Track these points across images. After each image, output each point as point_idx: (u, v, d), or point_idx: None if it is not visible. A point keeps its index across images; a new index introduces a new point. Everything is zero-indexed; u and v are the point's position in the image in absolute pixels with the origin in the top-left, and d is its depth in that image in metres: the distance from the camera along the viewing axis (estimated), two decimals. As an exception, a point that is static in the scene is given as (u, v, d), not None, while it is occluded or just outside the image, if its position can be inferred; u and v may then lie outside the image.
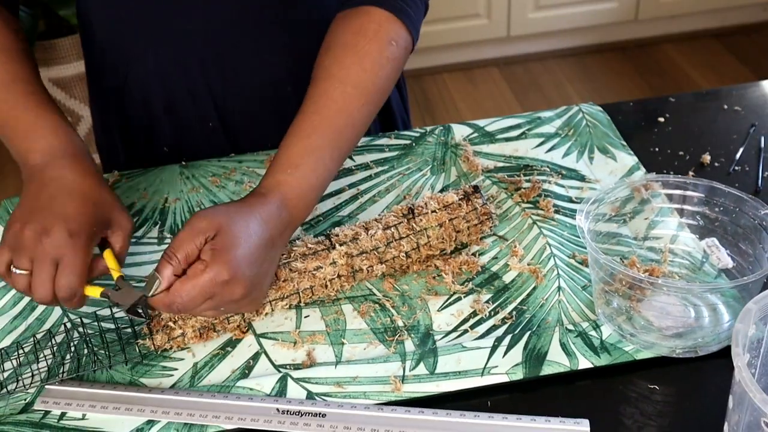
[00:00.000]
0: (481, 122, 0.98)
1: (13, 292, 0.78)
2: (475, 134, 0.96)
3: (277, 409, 0.65)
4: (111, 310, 0.73)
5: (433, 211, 0.78)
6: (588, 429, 0.62)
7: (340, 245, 0.75)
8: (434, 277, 0.77)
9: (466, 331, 0.71)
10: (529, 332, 0.70)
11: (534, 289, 0.75)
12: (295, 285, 0.74)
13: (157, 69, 0.93)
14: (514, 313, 0.73)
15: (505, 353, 0.68)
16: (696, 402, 0.66)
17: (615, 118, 0.97)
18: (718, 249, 0.75)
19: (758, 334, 0.59)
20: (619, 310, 0.70)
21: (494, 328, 0.72)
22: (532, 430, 0.62)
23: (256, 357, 0.71)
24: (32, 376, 0.69)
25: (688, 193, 0.76)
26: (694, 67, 2.73)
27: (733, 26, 2.89)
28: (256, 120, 0.98)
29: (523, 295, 0.75)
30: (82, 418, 0.66)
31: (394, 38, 0.77)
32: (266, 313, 0.74)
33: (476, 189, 0.81)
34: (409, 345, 0.70)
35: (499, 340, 0.70)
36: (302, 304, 0.75)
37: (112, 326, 0.72)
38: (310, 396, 0.66)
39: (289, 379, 0.68)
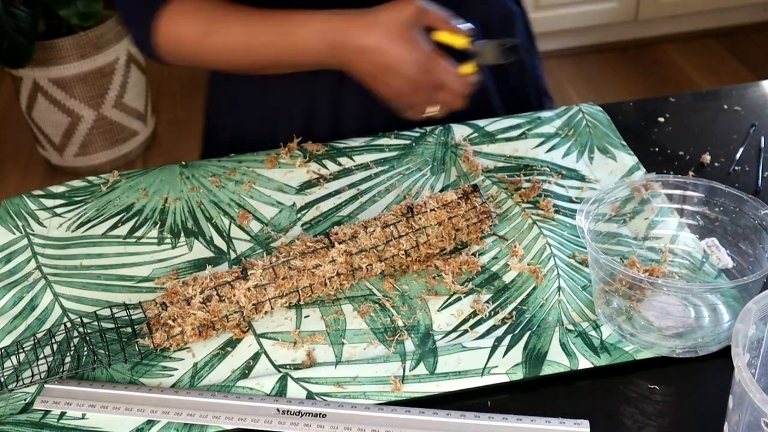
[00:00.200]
0: (481, 122, 0.98)
1: (13, 292, 0.78)
2: (475, 134, 0.96)
3: (278, 410, 0.65)
4: (111, 310, 0.73)
5: (432, 210, 0.78)
6: (588, 430, 0.62)
7: (339, 243, 0.75)
8: (434, 277, 0.77)
9: (466, 331, 0.71)
10: (529, 332, 0.70)
11: (534, 289, 0.75)
12: (294, 283, 0.74)
13: None
14: (514, 313, 0.73)
15: (505, 353, 0.68)
16: (696, 402, 0.66)
17: (615, 118, 0.97)
18: (718, 249, 0.75)
19: (758, 334, 0.59)
20: (619, 310, 0.70)
21: (494, 328, 0.72)
22: (532, 431, 0.62)
23: (256, 357, 0.71)
24: (32, 375, 0.69)
25: (688, 193, 0.76)
26: (694, 67, 2.73)
27: (733, 26, 2.89)
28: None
29: (523, 295, 0.75)
30: (82, 418, 0.66)
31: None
32: (266, 312, 0.74)
33: (475, 188, 0.81)
34: (409, 345, 0.70)
35: (499, 340, 0.70)
36: (302, 303, 0.75)
37: (112, 326, 0.72)
38: (310, 396, 0.66)
39: (289, 379, 0.68)
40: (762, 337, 0.59)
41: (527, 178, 0.88)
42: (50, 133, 2.42)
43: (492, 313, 0.73)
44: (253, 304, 0.73)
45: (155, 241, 0.84)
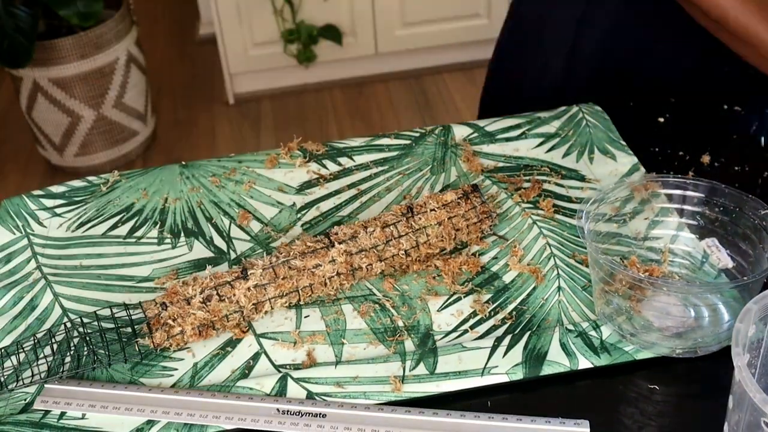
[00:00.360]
0: (481, 122, 0.98)
1: (13, 292, 0.78)
2: (475, 134, 0.96)
3: (278, 410, 0.65)
4: (111, 310, 0.73)
5: (432, 210, 0.78)
6: (588, 430, 0.62)
7: (339, 243, 0.75)
8: (434, 277, 0.77)
9: (466, 331, 0.71)
10: (529, 332, 0.70)
11: (534, 289, 0.75)
12: (294, 283, 0.74)
13: None
14: (514, 313, 0.73)
15: (505, 353, 0.68)
16: (696, 402, 0.66)
17: (615, 119, 0.97)
18: (718, 249, 0.75)
19: (758, 334, 0.59)
20: (619, 310, 0.70)
21: (494, 328, 0.72)
22: (532, 431, 0.62)
23: (256, 357, 0.71)
24: (32, 375, 0.69)
25: (688, 193, 0.76)
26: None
27: (733, 26, 2.88)
28: None
29: (523, 295, 0.75)
30: (82, 418, 0.66)
31: None
32: (266, 312, 0.74)
33: (475, 188, 0.81)
34: (409, 345, 0.70)
35: (499, 340, 0.70)
36: (302, 303, 0.75)
37: (112, 326, 0.72)
38: (310, 396, 0.66)
39: (289, 379, 0.68)
40: (762, 337, 0.59)
41: (527, 178, 0.88)
42: (50, 133, 2.42)
43: (492, 313, 0.73)
44: (253, 304, 0.73)
45: (155, 241, 0.84)
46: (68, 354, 0.71)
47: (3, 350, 0.71)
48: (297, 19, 2.70)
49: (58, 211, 0.89)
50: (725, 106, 0.99)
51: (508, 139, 0.95)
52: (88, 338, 0.71)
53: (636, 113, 1.00)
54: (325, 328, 0.73)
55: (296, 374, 0.68)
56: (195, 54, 3.13)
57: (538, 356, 0.68)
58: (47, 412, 0.67)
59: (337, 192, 0.89)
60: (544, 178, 0.88)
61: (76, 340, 0.72)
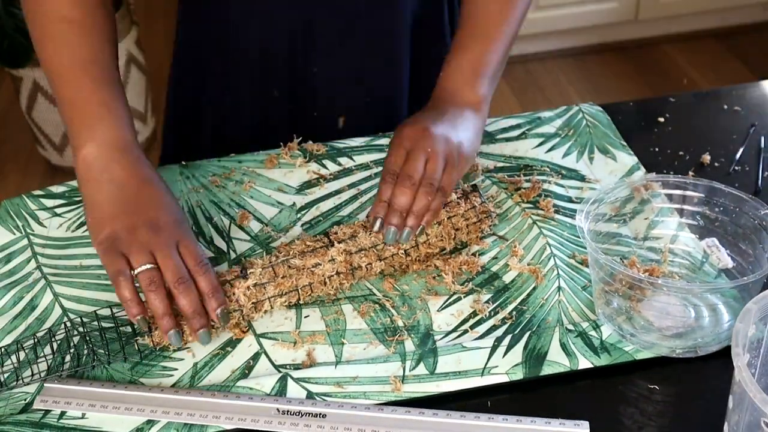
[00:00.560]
0: (481, 122, 0.98)
1: (13, 292, 0.78)
2: (475, 134, 0.96)
3: (278, 410, 0.65)
4: (111, 310, 0.73)
5: None
6: (587, 431, 0.62)
7: (339, 243, 0.75)
8: (434, 277, 0.77)
9: (466, 331, 0.71)
10: (529, 332, 0.70)
11: (534, 289, 0.75)
12: (293, 282, 0.74)
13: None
14: (514, 313, 0.73)
15: (505, 353, 0.68)
16: (696, 402, 0.66)
17: (615, 118, 0.97)
18: (718, 249, 0.75)
19: (758, 334, 0.59)
20: (619, 310, 0.70)
21: (494, 328, 0.72)
22: None
23: (256, 357, 0.71)
24: (32, 374, 0.69)
25: (688, 193, 0.76)
26: (694, 67, 2.73)
27: (733, 26, 2.88)
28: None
29: (523, 295, 0.75)
30: (82, 417, 0.66)
31: None
32: (265, 311, 0.74)
33: (475, 188, 0.81)
34: (409, 345, 0.70)
35: (499, 340, 0.70)
36: (302, 302, 0.75)
37: (112, 325, 0.72)
38: (310, 396, 0.66)
39: (289, 379, 0.68)
40: (762, 337, 0.59)
41: (527, 178, 0.88)
42: (50, 133, 2.42)
43: (492, 313, 0.73)
44: (253, 303, 0.73)
45: (155, 241, 0.84)
46: (68, 353, 0.71)
47: (3, 349, 0.71)
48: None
49: (58, 211, 0.88)
50: (725, 106, 0.99)
51: (508, 139, 0.95)
52: (87, 337, 0.71)
53: (636, 113, 1.00)
54: (325, 328, 0.73)
55: (296, 374, 0.68)
56: (195, 54, 3.12)
57: (538, 356, 0.68)
58: (47, 412, 0.67)
59: (337, 192, 0.89)
60: (544, 178, 0.88)
61: (76, 339, 0.72)
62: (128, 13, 2.43)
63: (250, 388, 0.67)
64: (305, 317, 0.74)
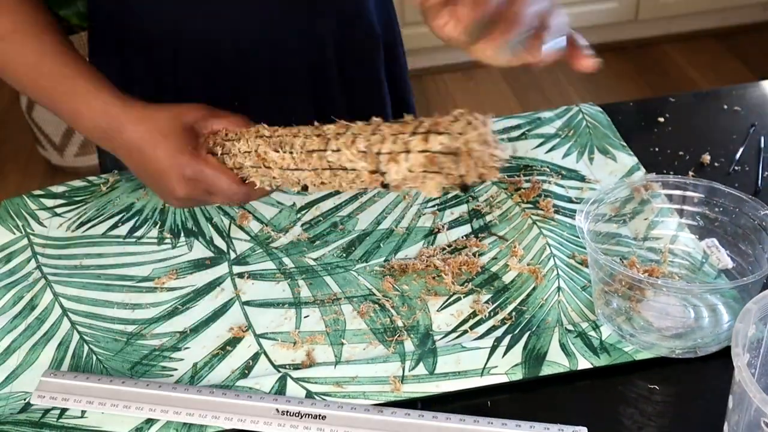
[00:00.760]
0: (481, 122, 0.98)
1: (13, 291, 0.78)
2: (475, 134, 0.96)
3: (277, 410, 0.65)
4: (111, 310, 0.73)
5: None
6: None
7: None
8: (434, 278, 0.77)
9: (465, 332, 0.71)
10: (528, 333, 0.70)
11: (534, 289, 0.75)
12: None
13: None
14: (514, 313, 0.73)
15: (505, 353, 0.68)
16: (696, 402, 0.66)
17: (615, 119, 0.97)
18: (718, 249, 0.75)
19: (758, 334, 0.59)
20: (618, 310, 0.70)
21: (494, 328, 0.72)
22: None
23: (255, 357, 0.71)
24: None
25: (688, 193, 0.76)
26: (694, 67, 2.73)
27: (733, 26, 2.89)
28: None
29: (523, 296, 0.75)
30: (81, 416, 0.66)
31: None
32: (273, 178, 0.71)
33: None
34: (409, 345, 0.70)
35: (498, 341, 0.70)
36: (309, 187, 0.69)
37: (112, 325, 0.72)
38: (310, 395, 0.66)
39: (288, 379, 0.68)
40: (762, 337, 0.59)
41: (527, 178, 0.88)
42: (50, 133, 2.42)
43: (492, 313, 0.73)
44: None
45: (155, 241, 0.84)
46: (68, 354, 0.71)
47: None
48: (297, 19, 2.70)
49: (59, 210, 0.89)
50: (725, 106, 0.99)
51: (508, 140, 0.95)
52: (87, 338, 0.71)
53: (636, 113, 1.00)
54: (324, 328, 0.73)
55: (295, 374, 0.68)
56: (195, 54, 3.12)
57: (537, 356, 0.68)
58: (47, 411, 0.67)
59: (337, 192, 0.88)
60: (544, 178, 0.88)
61: (75, 339, 0.72)
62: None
63: (250, 388, 0.67)
64: (305, 317, 0.74)
